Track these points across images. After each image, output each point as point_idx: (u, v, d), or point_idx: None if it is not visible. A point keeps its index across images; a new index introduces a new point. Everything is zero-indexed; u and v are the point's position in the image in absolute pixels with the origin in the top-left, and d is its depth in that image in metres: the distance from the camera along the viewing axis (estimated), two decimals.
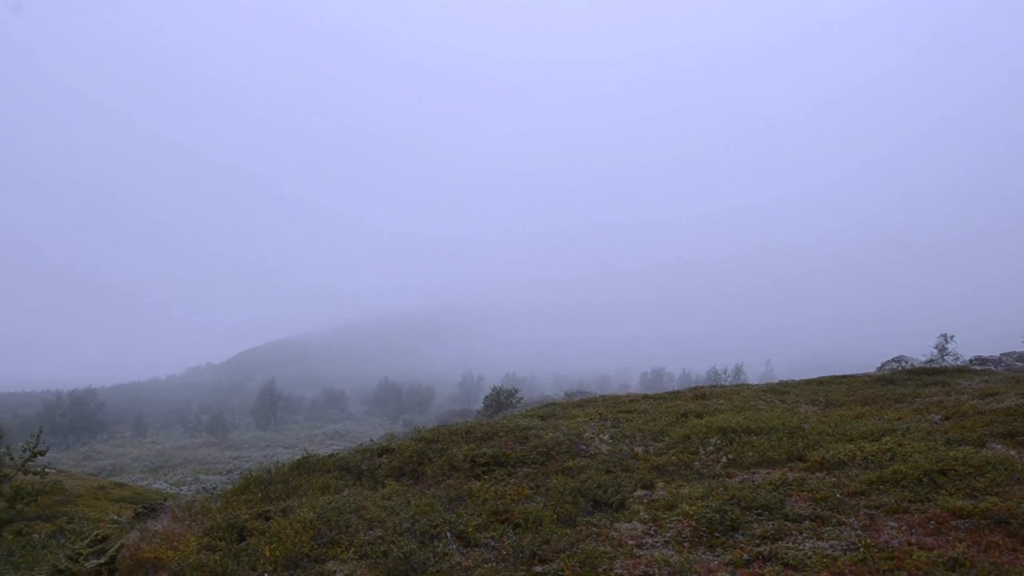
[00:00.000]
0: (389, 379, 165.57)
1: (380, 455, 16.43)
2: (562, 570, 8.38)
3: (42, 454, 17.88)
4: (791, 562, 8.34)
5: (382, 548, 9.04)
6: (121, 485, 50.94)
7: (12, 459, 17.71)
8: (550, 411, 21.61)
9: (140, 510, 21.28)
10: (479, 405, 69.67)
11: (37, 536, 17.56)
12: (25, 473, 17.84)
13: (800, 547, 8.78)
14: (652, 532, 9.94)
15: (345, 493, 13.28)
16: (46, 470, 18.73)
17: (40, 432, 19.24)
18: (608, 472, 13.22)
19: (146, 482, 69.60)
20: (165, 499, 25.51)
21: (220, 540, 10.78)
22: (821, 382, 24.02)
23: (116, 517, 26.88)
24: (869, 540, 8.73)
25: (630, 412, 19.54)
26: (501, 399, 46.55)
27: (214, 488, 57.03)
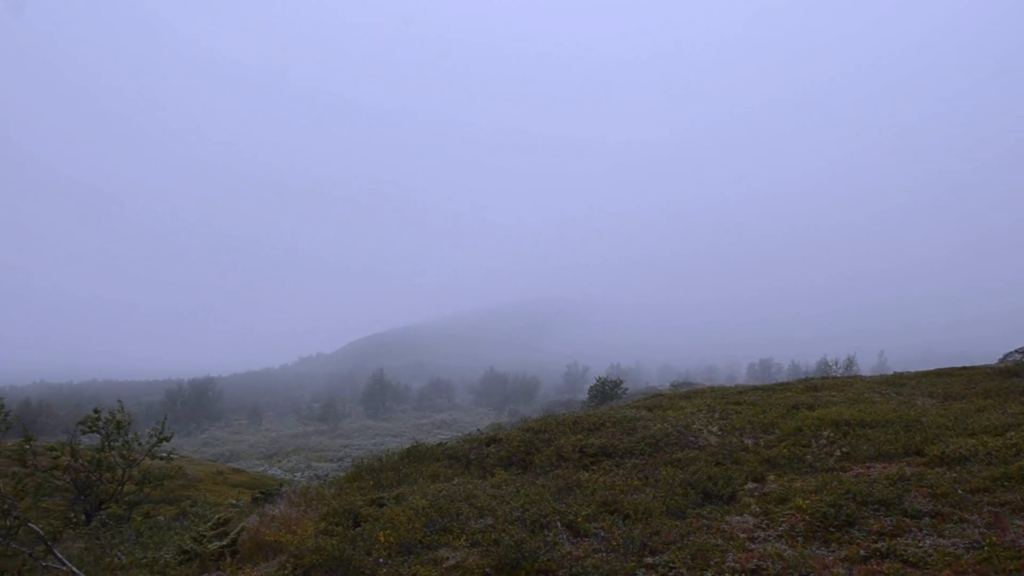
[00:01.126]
0: (495, 369, 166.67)
1: (488, 444, 16.61)
2: (673, 562, 8.33)
3: (167, 440, 18.65)
4: (910, 559, 8.09)
5: (493, 536, 9.15)
6: (238, 471, 52.75)
7: (140, 445, 18.53)
8: (657, 402, 21.48)
9: (257, 495, 22.01)
10: (584, 396, 69.52)
11: (162, 518, 18.32)
12: (152, 458, 18.65)
13: (920, 544, 8.51)
14: (764, 526, 9.79)
15: (455, 481, 13.48)
16: (171, 456, 19.55)
17: (165, 419, 20.08)
18: (718, 464, 13.07)
19: (261, 468, 71.80)
20: (280, 485, 26.31)
21: (336, 525, 11.09)
22: (939, 374, 23.14)
23: (234, 502, 27.86)
24: (994, 538, 8.39)
25: (739, 404, 19.24)
26: (606, 390, 46.35)
27: (326, 475, 58.49)
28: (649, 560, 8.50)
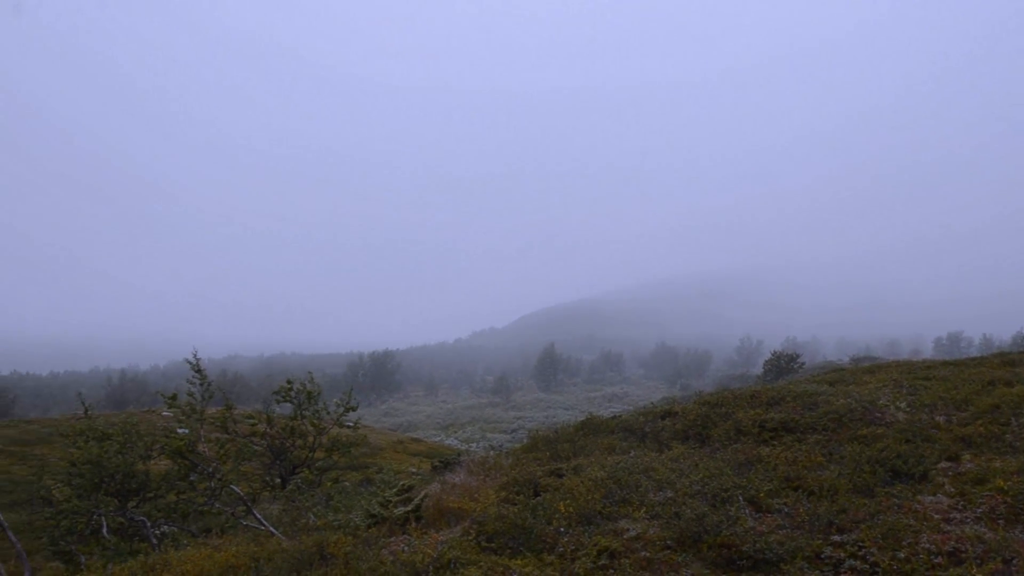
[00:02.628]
0: (666, 343, 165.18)
1: (663, 418, 16.49)
2: (863, 540, 8.05)
3: (353, 410, 19.49)
4: None
5: (673, 509, 9.10)
6: (417, 440, 54.64)
7: (329, 414, 19.45)
8: (838, 376, 20.70)
9: (436, 464, 22.70)
10: (757, 370, 67.94)
11: (349, 484, 19.18)
12: (340, 427, 19.55)
13: None
14: (960, 507, 9.29)
15: (632, 454, 13.47)
16: (357, 425, 20.42)
17: (351, 390, 20.98)
18: (907, 442, 12.48)
19: (438, 438, 74.03)
20: (458, 454, 27.01)
21: (516, 494, 11.30)
22: None
23: (415, 470, 28.87)
24: None
25: (927, 379, 18.26)
26: (782, 364, 45.15)
27: (500, 446, 59.65)
28: (837, 538, 8.25)
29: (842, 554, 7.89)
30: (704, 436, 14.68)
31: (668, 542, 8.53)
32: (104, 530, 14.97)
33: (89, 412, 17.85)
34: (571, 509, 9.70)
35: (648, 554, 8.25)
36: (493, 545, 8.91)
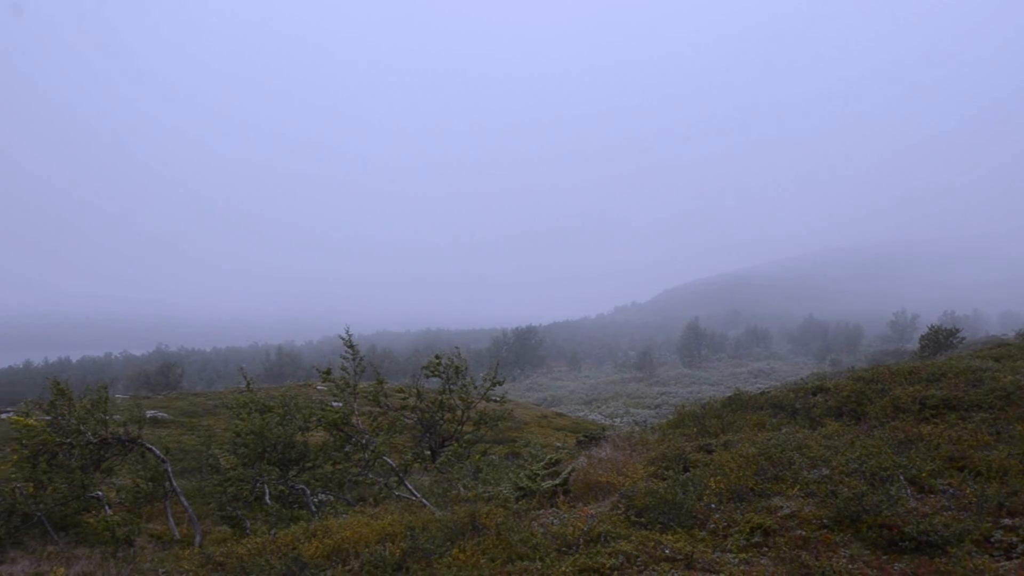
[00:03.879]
0: (814, 317, 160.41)
1: (815, 394, 16.04)
2: None
3: (500, 384, 19.76)
4: None
5: (830, 487, 8.82)
6: (561, 415, 54.98)
7: (475, 388, 19.78)
8: (1004, 352, 19.58)
9: (581, 438, 22.76)
10: (913, 346, 65.08)
11: (495, 457, 19.47)
12: (487, 401, 19.86)
13: None
14: None
15: (783, 431, 13.15)
16: (503, 399, 20.69)
17: (497, 364, 21.26)
18: None
19: (581, 413, 74.28)
20: (603, 429, 27.03)
21: (666, 469, 11.24)
22: None
23: (560, 444, 29.07)
24: None
25: None
26: (940, 339, 42.93)
27: (644, 421, 59.38)
28: (1007, 522, 7.82)
29: (1014, 538, 7.49)
30: (859, 413, 14.18)
31: (824, 521, 8.29)
32: (267, 497, 15.70)
33: (250, 386, 18.73)
34: (722, 485, 9.56)
35: (804, 532, 8.05)
36: (643, 520, 8.89)
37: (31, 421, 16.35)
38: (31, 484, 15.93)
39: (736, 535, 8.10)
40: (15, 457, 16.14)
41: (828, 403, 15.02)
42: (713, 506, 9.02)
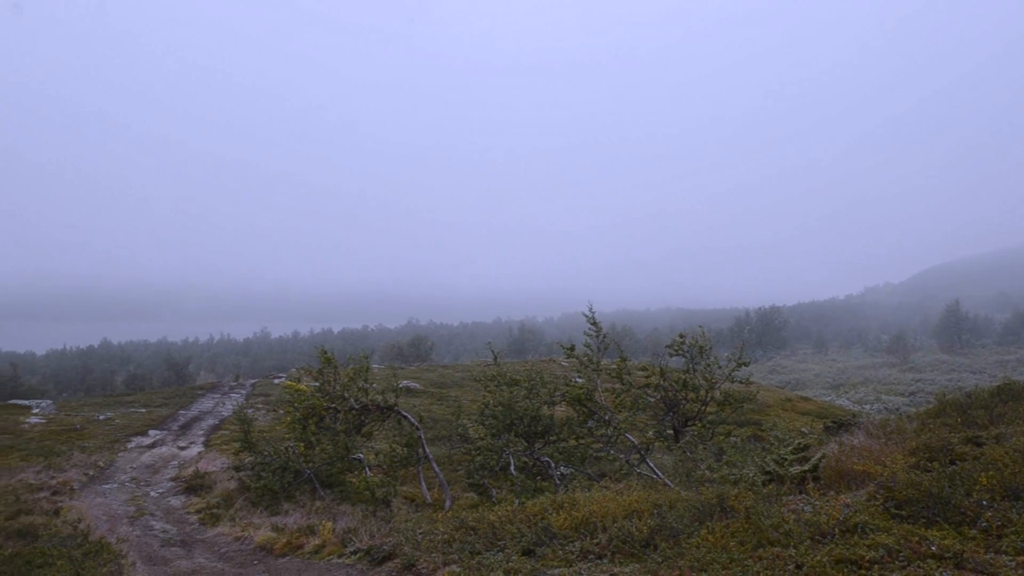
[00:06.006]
0: None
1: None
2: None
3: (746, 365, 19.30)
4: None
5: None
6: (806, 399, 53.07)
7: (720, 368, 19.43)
8: None
9: (829, 424, 21.87)
10: None
11: (738, 439, 19.10)
12: (731, 382, 19.47)
13: None
14: None
15: None
16: (748, 381, 20.22)
17: (743, 345, 20.80)
18: None
19: (828, 398, 71.43)
20: (853, 416, 25.85)
21: (929, 461, 10.58)
22: None
23: (806, 429, 28.08)
24: None
25: None
26: None
27: (897, 409, 56.21)
28: None
29: None
30: None
31: None
32: (512, 468, 16.23)
33: (497, 360, 19.36)
34: (994, 481, 8.86)
35: None
36: (903, 512, 8.40)
37: (302, 387, 17.82)
38: (302, 444, 17.40)
39: (1012, 536, 7.48)
40: (288, 419, 17.69)
41: None
42: (984, 503, 8.38)
